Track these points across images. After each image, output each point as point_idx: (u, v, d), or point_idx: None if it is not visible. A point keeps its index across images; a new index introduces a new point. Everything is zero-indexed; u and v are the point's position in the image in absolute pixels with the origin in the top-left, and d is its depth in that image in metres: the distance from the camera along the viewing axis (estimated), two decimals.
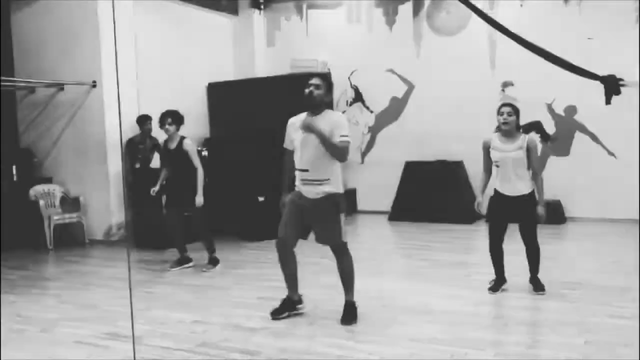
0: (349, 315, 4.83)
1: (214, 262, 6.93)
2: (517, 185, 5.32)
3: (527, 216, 5.37)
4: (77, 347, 4.47)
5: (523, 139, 5.30)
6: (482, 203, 5.53)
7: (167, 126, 6.68)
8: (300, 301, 5.08)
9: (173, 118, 6.70)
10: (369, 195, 10.90)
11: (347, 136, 4.58)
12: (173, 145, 6.75)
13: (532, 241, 5.46)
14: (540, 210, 5.34)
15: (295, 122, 4.82)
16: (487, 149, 5.44)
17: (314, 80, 4.71)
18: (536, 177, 5.40)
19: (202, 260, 7.10)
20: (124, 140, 8.65)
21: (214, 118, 10.81)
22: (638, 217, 8.78)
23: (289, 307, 5.01)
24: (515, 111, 5.30)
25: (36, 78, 8.75)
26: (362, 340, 4.38)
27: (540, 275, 5.55)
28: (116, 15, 8.36)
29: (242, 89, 10.45)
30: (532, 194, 5.38)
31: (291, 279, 5.05)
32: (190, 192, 6.68)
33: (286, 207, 4.89)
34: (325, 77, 4.82)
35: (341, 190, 4.76)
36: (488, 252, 5.63)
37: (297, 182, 4.80)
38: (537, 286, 5.49)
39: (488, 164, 5.47)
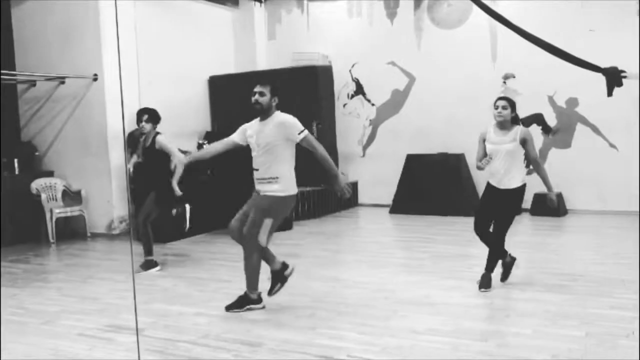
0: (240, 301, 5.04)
1: (149, 265, 6.61)
2: (507, 178, 5.31)
3: (506, 209, 5.37)
4: (80, 340, 4.49)
5: (517, 131, 5.30)
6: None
7: (143, 123, 6.53)
8: (285, 267, 5.16)
9: (149, 115, 6.57)
10: (370, 188, 10.90)
11: (304, 130, 4.84)
12: (148, 142, 6.57)
13: (500, 237, 5.40)
14: (552, 195, 5.38)
15: (249, 126, 5.06)
16: (482, 141, 5.47)
17: (257, 88, 4.89)
18: (537, 166, 5.40)
19: (202, 254, 7.11)
20: (125, 134, 8.64)
21: (216, 111, 10.81)
22: (639, 209, 8.78)
23: (277, 279, 5.13)
24: (511, 104, 5.33)
25: (37, 71, 8.75)
26: (363, 332, 4.39)
27: (542, 266, 5.56)
28: (117, 9, 8.35)
29: (244, 82, 10.42)
30: (520, 189, 5.37)
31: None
32: (154, 192, 6.54)
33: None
34: (271, 82, 4.98)
35: (289, 192, 4.93)
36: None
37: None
38: (484, 282, 5.41)
39: (482, 155, 5.47)
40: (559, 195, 9.30)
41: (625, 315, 4.55)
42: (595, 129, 9.33)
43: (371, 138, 10.99)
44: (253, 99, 4.89)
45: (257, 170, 4.95)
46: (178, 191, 6.33)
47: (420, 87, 10.45)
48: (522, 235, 7.80)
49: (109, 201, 8.74)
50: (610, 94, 5.23)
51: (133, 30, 8.84)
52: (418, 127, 10.42)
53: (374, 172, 10.84)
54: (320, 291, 5.50)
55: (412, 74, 10.52)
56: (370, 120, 10.96)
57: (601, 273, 5.86)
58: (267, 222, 4.86)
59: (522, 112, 9.59)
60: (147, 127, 6.54)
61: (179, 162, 6.20)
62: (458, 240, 7.78)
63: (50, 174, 8.98)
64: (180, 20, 10.02)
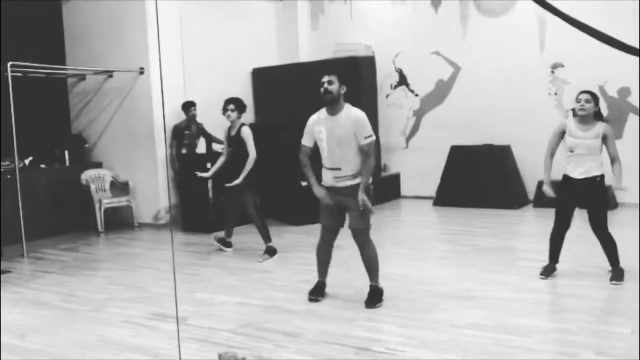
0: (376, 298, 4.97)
1: (270, 252, 6.76)
2: (589, 168, 5.22)
3: (595, 200, 5.29)
4: (125, 327, 4.63)
5: (600, 127, 5.19)
6: (548, 189, 5.43)
7: (229, 112, 6.72)
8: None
9: (235, 104, 6.73)
10: (413, 180, 10.81)
11: (371, 136, 4.77)
12: (233, 132, 6.78)
13: (603, 231, 5.33)
14: (619, 186, 5.25)
15: (317, 121, 4.93)
16: (561, 133, 5.34)
17: (325, 78, 4.80)
18: (614, 163, 5.27)
19: (246, 244, 7.21)
20: (170, 125, 8.82)
21: (259, 103, 10.89)
22: (639, 203, 8.49)
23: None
24: (594, 98, 5.21)
25: (86, 65, 9.01)
26: (402, 325, 4.38)
27: (589, 261, 5.43)
28: (162, 3, 8.50)
29: (287, 74, 10.48)
30: (602, 178, 5.27)
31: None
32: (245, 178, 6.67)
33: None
34: (331, 70, 4.91)
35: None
36: (537, 238, 5.62)
37: (327, 179, 4.93)
38: (616, 275, 5.32)
39: (554, 148, 5.39)
40: (609, 188, 9.04)
41: None
42: None
43: (414, 129, 10.89)
44: (322, 89, 4.78)
45: (337, 169, 4.82)
46: (238, 181, 6.55)
47: (465, 77, 10.27)
48: (570, 228, 7.59)
49: (155, 192, 8.94)
50: None
51: (178, 24, 8.99)
52: (462, 118, 10.26)
53: (417, 164, 10.74)
54: (360, 284, 5.50)
55: (457, 64, 10.35)
56: (413, 111, 10.85)
57: None
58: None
59: (571, 103, 9.40)
60: (232, 115, 6.70)
61: (252, 159, 6.56)
62: (502, 233, 7.66)
63: (99, 165, 9.24)
64: (223, 12, 10.11)
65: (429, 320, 4.48)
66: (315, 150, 5.01)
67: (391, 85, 10.97)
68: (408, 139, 10.94)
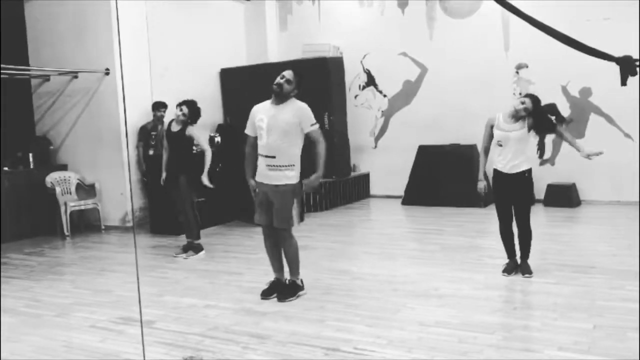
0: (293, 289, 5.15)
1: (193, 248, 6.92)
2: (519, 162, 5.46)
3: (522, 195, 5.53)
4: (92, 332, 4.56)
5: (527, 119, 5.43)
6: (483, 186, 5.75)
7: (180, 113, 6.74)
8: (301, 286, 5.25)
9: (189, 108, 6.76)
10: (382, 179, 10.90)
11: (316, 123, 4.91)
12: (175, 128, 6.78)
13: (524, 222, 5.56)
14: (592, 151, 5.55)
15: (260, 109, 5.04)
16: (490, 127, 5.58)
17: (287, 73, 4.92)
18: (562, 137, 5.73)
19: (215, 246, 7.16)
20: (137, 127, 8.72)
21: (227, 104, 10.84)
22: (638, 199, 8.70)
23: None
24: (534, 102, 5.45)
25: (50, 66, 8.84)
26: (370, 325, 4.41)
27: (553, 258, 5.58)
28: (128, 3, 8.40)
29: (255, 74, 10.44)
30: (530, 172, 5.51)
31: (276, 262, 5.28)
32: (183, 176, 6.77)
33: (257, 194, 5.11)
34: (298, 72, 5.03)
35: (297, 179, 4.98)
36: (499, 235, 5.70)
37: (261, 168, 5.00)
38: (525, 269, 5.56)
39: (488, 144, 5.63)
40: (573, 186, 9.26)
41: (636, 307, 4.51)
42: (609, 119, 9.23)
43: (383, 129, 10.97)
44: (276, 81, 4.88)
45: (272, 157, 4.87)
46: (209, 184, 6.70)
47: (432, 77, 10.40)
48: (534, 226, 7.70)
49: (122, 194, 8.83)
50: (624, 83, 5.18)
51: (144, 24, 8.89)
52: (430, 118, 10.38)
53: (386, 164, 10.83)
54: (329, 283, 5.53)
55: (424, 65, 10.47)
56: (382, 111, 10.93)
57: (614, 265, 5.82)
58: (296, 205, 4.96)
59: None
60: (182, 118, 6.71)
61: (210, 155, 6.71)
62: (469, 231, 7.77)
63: (64, 167, 9.09)
64: (191, 12, 10.05)
65: (397, 319, 4.52)
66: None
67: (360, 86, 11.04)
68: (377, 139, 11.02)
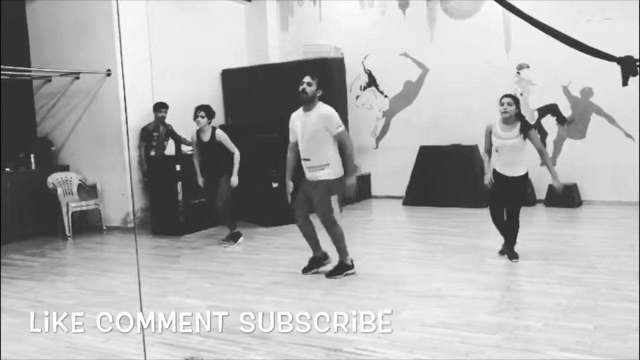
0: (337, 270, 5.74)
1: (235, 237, 7.48)
2: (514, 167, 5.80)
3: (517, 197, 5.91)
4: (94, 333, 4.56)
5: (519, 126, 5.74)
6: (489, 179, 5.99)
7: (199, 118, 7.25)
8: (325, 257, 5.88)
9: (206, 112, 7.29)
10: (383, 180, 10.90)
11: (341, 125, 5.46)
12: (206, 137, 7.30)
13: (514, 218, 5.94)
14: (556, 183, 5.81)
15: (295, 117, 5.64)
16: (489, 133, 5.90)
17: (306, 79, 5.45)
18: (542, 154, 5.87)
19: (216, 246, 7.16)
20: (138, 127, 8.73)
21: (229, 105, 10.85)
22: (639, 199, 8.70)
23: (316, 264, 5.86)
24: (515, 101, 5.77)
25: (52, 67, 8.86)
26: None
27: (555, 258, 5.73)
28: (130, 3, 8.41)
29: (256, 75, 10.47)
30: (526, 176, 5.90)
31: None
32: (225, 176, 7.32)
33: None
34: (318, 75, 5.60)
35: (338, 174, 5.52)
36: (500, 235, 6.06)
37: (304, 169, 5.59)
38: (511, 255, 5.98)
39: (489, 146, 5.93)
40: (574, 186, 9.25)
41: (637, 308, 4.51)
42: (610, 119, 9.23)
43: (384, 130, 10.97)
44: (300, 87, 5.41)
45: (307, 160, 5.49)
46: (236, 182, 7.27)
47: (433, 78, 10.40)
48: (536, 226, 7.76)
49: (123, 194, 8.84)
50: (625, 83, 5.18)
51: (145, 25, 8.90)
52: (431, 118, 10.38)
53: (387, 164, 10.83)
54: (330, 284, 5.53)
55: (425, 65, 10.47)
56: (383, 112, 10.94)
57: (615, 265, 5.82)
58: (334, 200, 5.52)
59: (537, 103, 9.60)
60: (202, 121, 7.28)
61: (238, 155, 7.28)
62: (470, 232, 7.77)
63: (66, 168, 9.10)
64: (192, 13, 10.06)
65: (399, 320, 4.52)
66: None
67: (361, 86, 11.04)
68: (378, 139, 11.02)
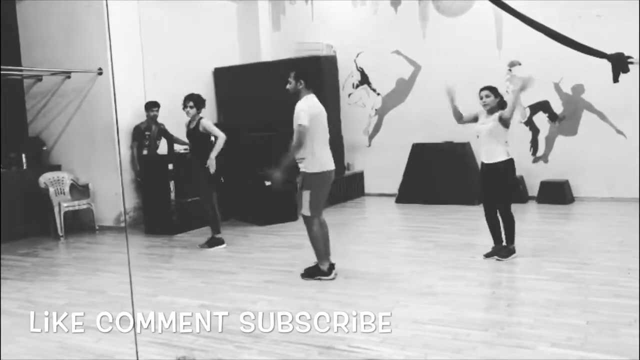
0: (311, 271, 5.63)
1: (217, 242, 7.16)
2: (494, 154, 5.85)
3: (498, 184, 5.88)
4: (86, 333, 4.55)
5: (497, 113, 5.85)
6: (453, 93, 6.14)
7: (188, 108, 7.05)
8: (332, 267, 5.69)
9: (194, 101, 7.06)
10: (376, 177, 10.90)
11: (300, 120, 5.36)
12: (193, 124, 7.09)
13: (504, 210, 5.93)
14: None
15: None
16: (474, 117, 6.11)
17: (289, 76, 5.53)
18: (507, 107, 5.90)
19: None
20: (131, 127, 8.70)
21: (221, 103, 10.83)
22: (639, 196, 8.73)
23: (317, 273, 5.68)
24: (493, 92, 5.88)
25: (42, 66, 8.81)
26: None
27: (546, 254, 5.73)
28: (121, 2, 8.37)
29: (249, 74, 10.45)
30: (507, 163, 5.85)
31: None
32: (203, 169, 6.98)
33: None
34: (295, 68, 5.66)
35: (314, 169, 5.46)
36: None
37: None
38: (502, 254, 5.95)
39: (462, 115, 6.18)
40: (566, 183, 9.29)
41: (628, 303, 4.55)
42: (602, 116, 9.26)
43: (377, 128, 10.98)
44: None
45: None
46: (213, 166, 6.89)
47: (426, 75, 10.40)
48: (528, 223, 7.80)
49: (116, 194, 8.79)
50: (616, 80, 5.23)
51: (137, 24, 8.86)
52: (424, 116, 10.38)
53: (380, 162, 10.84)
54: (323, 282, 5.53)
55: (417, 63, 10.48)
56: (375, 109, 10.94)
57: (606, 261, 5.85)
58: (306, 195, 5.46)
59: (528, 100, 9.62)
60: (191, 111, 7.04)
61: (222, 139, 6.91)
62: (462, 229, 7.79)
63: (57, 168, 9.06)
64: (183, 12, 10.01)
65: (391, 317, 4.52)
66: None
67: (353, 84, 11.04)
68: (371, 137, 11.03)
